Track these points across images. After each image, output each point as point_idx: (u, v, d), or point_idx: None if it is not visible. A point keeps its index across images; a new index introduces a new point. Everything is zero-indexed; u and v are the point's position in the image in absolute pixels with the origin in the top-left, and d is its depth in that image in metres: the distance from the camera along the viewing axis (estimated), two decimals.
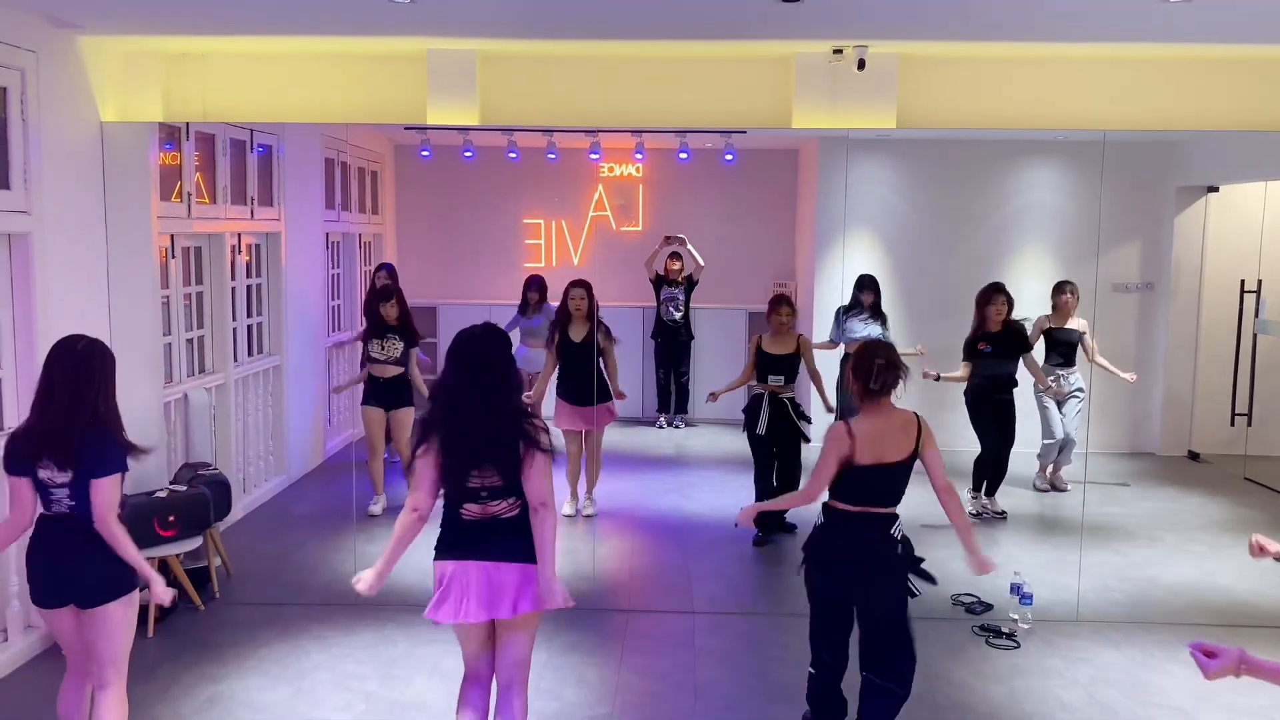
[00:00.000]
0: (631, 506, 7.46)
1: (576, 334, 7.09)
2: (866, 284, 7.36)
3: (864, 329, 7.17)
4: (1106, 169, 7.20)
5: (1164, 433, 8.99)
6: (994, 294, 7.10)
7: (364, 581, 3.53)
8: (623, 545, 6.74)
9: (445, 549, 3.48)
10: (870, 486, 3.94)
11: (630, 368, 9.52)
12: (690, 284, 9.21)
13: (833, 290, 8.21)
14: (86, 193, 5.45)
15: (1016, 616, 5.51)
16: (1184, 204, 8.89)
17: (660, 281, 9.22)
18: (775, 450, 6.74)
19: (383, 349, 7.20)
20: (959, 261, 8.88)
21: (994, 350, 7.09)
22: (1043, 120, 5.75)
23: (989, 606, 5.69)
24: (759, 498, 6.69)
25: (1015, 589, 5.54)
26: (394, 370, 7.14)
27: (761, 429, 6.65)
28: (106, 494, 3.46)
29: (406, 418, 7.16)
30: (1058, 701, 4.67)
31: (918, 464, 4.01)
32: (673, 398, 9.53)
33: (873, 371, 3.94)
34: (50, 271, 5.04)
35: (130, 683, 4.63)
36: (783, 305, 6.69)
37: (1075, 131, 6.36)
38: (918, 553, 4.12)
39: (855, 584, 4.00)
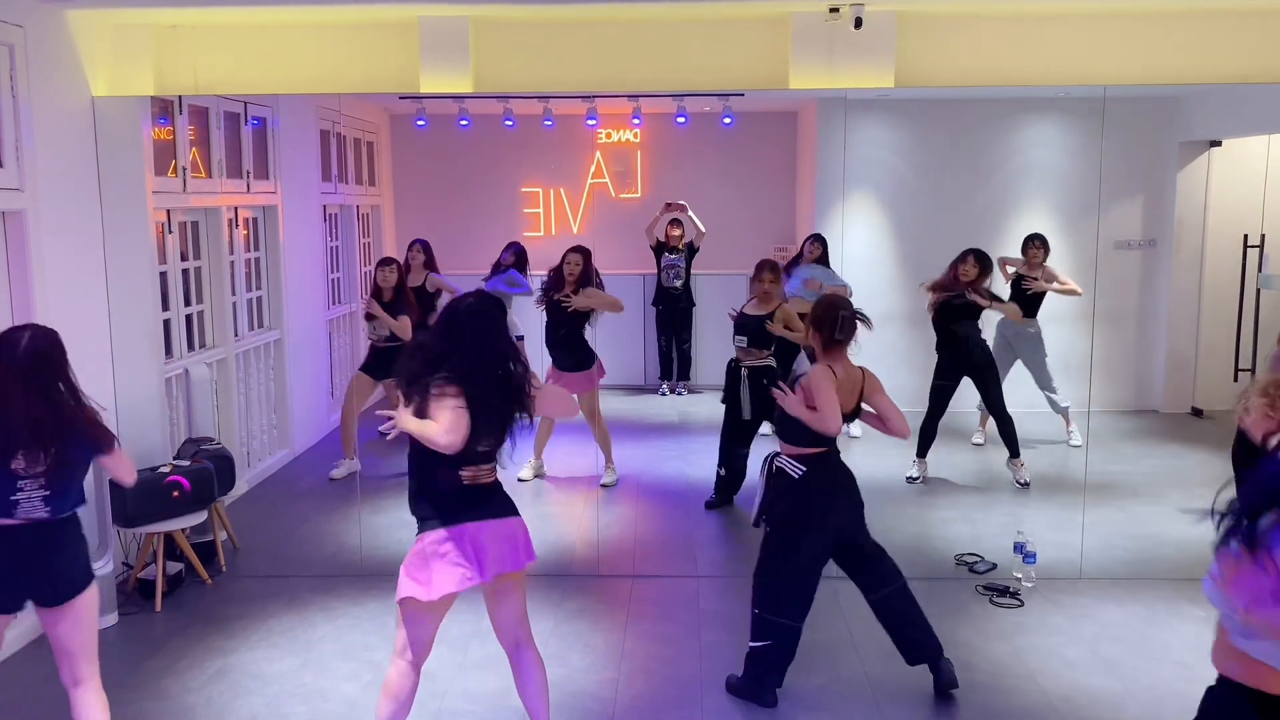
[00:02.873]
0: (635, 473, 7.47)
1: (563, 296, 7.03)
2: (815, 238, 7.86)
3: (805, 274, 7.46)
4: (1108, 125, 7.13)
5: (1167, 390, 8.98)
6: (967, 254, 7.12)
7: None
8: (627, 512, 6.76)
9: (455, 514, 3.45)
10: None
11: (632, 335, 9.51)
12: (691, 251, 9.17)
13: (833, 253, 8.17)
14: (80, 169, 5.42)
15: (1020, 575, 5.52)
16: (1186, 159, 8.81)
17: (661, 248, 9.18)
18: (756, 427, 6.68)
19: (373, 329, 7.29)
20: (960, 221, 8.83)
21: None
22: (1042, 76, 5.68)
23: (992, 566, 5.72)
24: (722, 463, 6.72)
25: (1019, 548, 5.56)
26: (388, 342, 7.23)
27: (746, 413, 6.55)
28: (123, 461, 3.57)
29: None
30: (1061, 658, 4.69)
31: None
32: (675, 365, 9.52)
33: (837, 322, 4.15)
34: (46, 249, 5.03)
35: (138, 657, 4.70)
36: (765, 271, 6.57)
37: (1075, 87, 6.28)
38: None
39: (847, 513, 4.26)
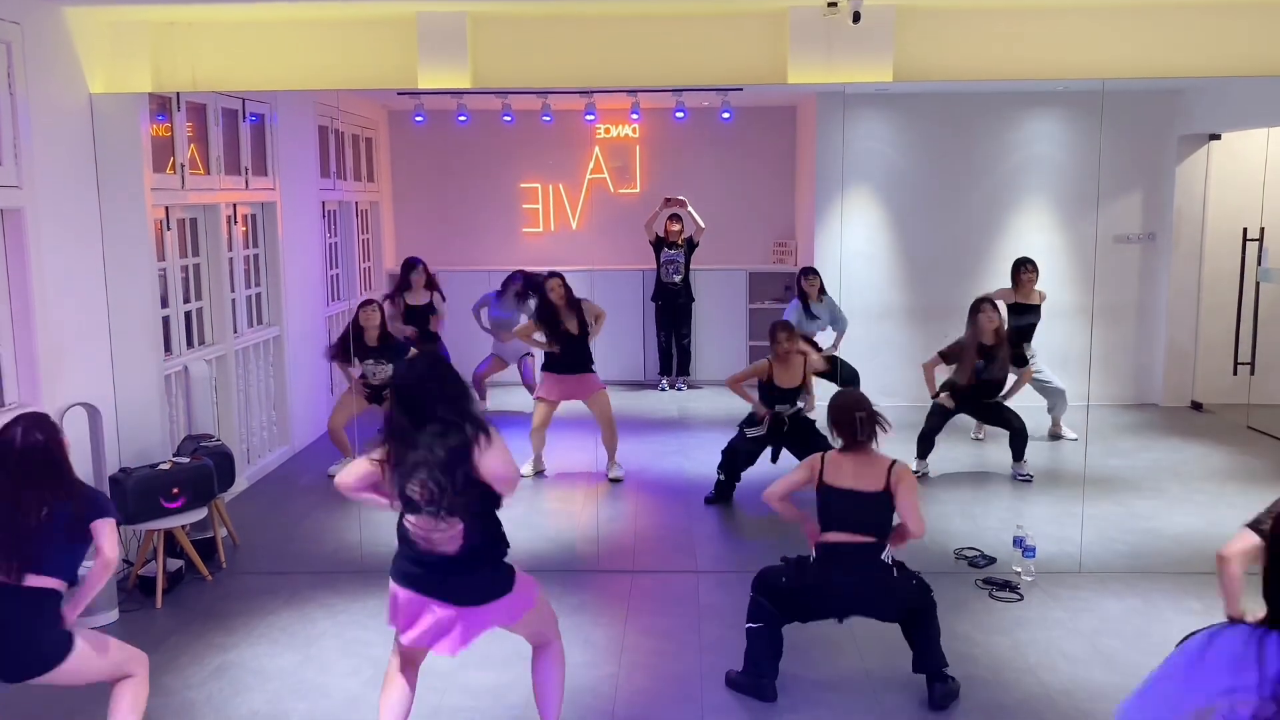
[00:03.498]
0: (635, 469, 7.47)
1: (564, 319, 7.04)
2: (811, 273, 7.76)
3: (813, 322, 7.59)
4: (1107, 119, 7.13)
5: (1167, 383, 8.99)
6: (983, 304, 6.97)
7: None
8: (627, 507, 6.77)
9: (400, 570, 3.42)
10: (848, 512, 4.13)
11: (631, 331, 9.51)
12: (690, 246, 9.18)
13: (832, 248, 8.17)
14: (78, 166, 5.41)
15: (1019, 569, 5.53)
16: (1185, 152, 8.81)
17: (660, 244, 9.19)
18: (774, 448, 6.76)
19: (375, 373, 7.21)
20: (959, 216, 8.83)
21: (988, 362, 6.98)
22: (1041, 70, 5.68)
23: (992, 560, 5.72)
24: (721, 469, 6.75)
25: (1018, 542, 5.56)
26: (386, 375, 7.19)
27: (753, 433, 6.66)
28: (111, 535, 3.54)
29: None
30: (1060, 652, 4.70)
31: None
32: (674, 360, 9.53)
33: (855, 425, 4.16)
34: (45, 247, 5.03)
35: None
36: (780, 332, 6.59)
37: (1075, 81, 6.28)
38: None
39: (854, 607, 4.24)
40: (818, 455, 4.27)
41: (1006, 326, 7.18)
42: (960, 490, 7.00)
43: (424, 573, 3.37)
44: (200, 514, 5.53)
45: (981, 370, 6.93)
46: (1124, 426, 8.44)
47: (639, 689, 4.41)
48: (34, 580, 3.40)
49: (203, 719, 4.16)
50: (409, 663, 3.58)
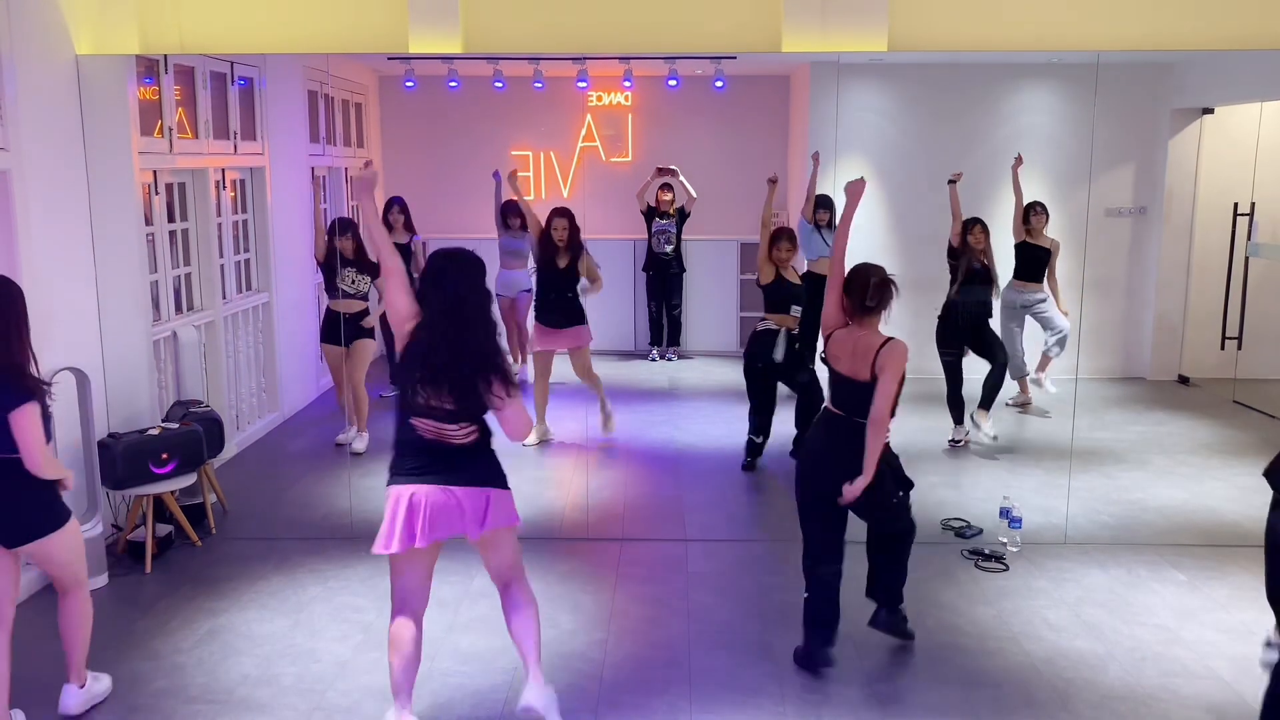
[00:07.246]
0: (626, 438, 7.50)
1: (561, 260, 7.12)
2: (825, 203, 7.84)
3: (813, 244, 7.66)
4: (1100, 92, 7.12)
5: (1155, 357, 9.03)
6: (972, 225, 7.17)
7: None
8: (617, 476, 6.79)
9: (402, 473, 3.50)
10: (846, 396, 4.13)
11: (622, 301, 9.50)
12: (682, 216, 9.14)
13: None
14: (64, 129, 5.35)
15: (1005, 540, 5.58)
16: (1178, 126, 8.80)
17: (652, 213, 9.15)
18: (776, 383, 6.78)
19: (353, 283, 7.14)
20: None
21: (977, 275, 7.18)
22: (1036, 42, 5.65)
23: (978, 531, 5.76)
24: (756, 432, 6.80)
25: (1004, 513, 5.61)
26: (359, 305, 7.16)
27: (779, 355, 6.60)
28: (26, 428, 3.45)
29: (363, 349, 7.16)
30: (1045, 622, 4.75)
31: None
32: (665, 330, 9.53)
33: (868, 289, 4.09)
34: (31, 210, 4.98)
35: (129, 618, 4.72)
36: (784, 240, 6.65)
37: (1069, 53, 6.25)
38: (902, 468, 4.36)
39: (840, 477, 4.09)
40: (829, 325, 4.20)
41: (1015, 263, 7.58)
42: (947, 461, 7.04)
43: (438, 462, 3.46)
44: (190, 479, 5.53)
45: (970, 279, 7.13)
46: (1111, 399, 8.49)
47: (628, 654, 4.44)
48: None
49: (193, 683, 4.18)
50: (402, 612, 3.61)
